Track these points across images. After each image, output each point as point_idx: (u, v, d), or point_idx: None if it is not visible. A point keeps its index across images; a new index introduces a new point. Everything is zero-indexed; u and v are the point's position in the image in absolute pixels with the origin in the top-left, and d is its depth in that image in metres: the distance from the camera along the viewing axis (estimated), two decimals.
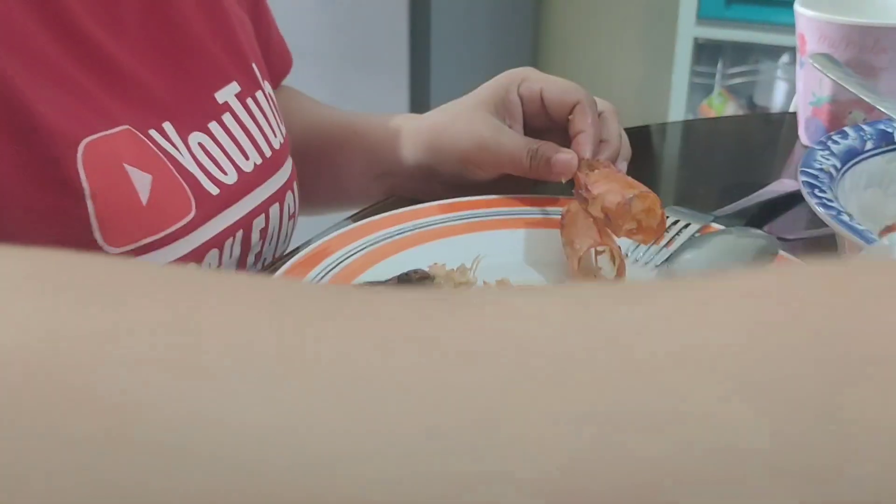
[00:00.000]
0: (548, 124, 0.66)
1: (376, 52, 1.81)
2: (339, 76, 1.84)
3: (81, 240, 0.46)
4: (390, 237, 0.59)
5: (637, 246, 0.61)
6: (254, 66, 0.62)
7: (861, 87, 0.66)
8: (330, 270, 0.56)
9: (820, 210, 0.50)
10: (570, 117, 0.63)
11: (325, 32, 1.82)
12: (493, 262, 0.58)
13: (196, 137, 0.54)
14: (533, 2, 2.34)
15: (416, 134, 0.69)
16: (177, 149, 0.52)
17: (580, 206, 0.58)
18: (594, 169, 0.60)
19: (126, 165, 0.48)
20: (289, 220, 0.62)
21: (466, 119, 0.65)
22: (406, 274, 0.54)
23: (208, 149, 0.55)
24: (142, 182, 0.48)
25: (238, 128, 0.58)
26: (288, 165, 0.63)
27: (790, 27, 1.86)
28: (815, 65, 0.68)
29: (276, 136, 0.61)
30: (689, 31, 1.99)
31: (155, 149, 0.51)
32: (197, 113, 0.56)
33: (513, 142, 0.63)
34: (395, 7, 1.75)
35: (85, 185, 0.45)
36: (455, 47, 1.93)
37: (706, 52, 2.08)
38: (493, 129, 0.63)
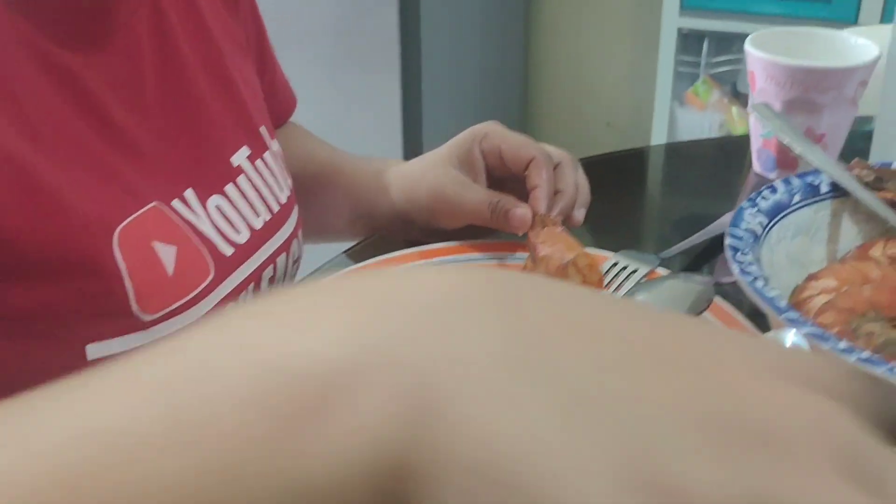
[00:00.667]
0: (509, 175, 0.72)
1: (367, 49, 1.85)
2: (330, 74, 1.88)
3: (120, 311, 0.51)
4: None
5: None
6: (261, 129, 0.66)
7: (795, 139, 0.71)
8: None
9: (738, 275, 0.56)
10: (525, 172, 0.69)
11: (315, 29, 1.85)
12: None
13: (214, 201, 0.59)
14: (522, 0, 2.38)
15: (394, 182, 0.76)
16: (197, 214, 0.58)
17: (532, 265, 0.64)
18: (545, 225, 0.66)
19: (154, 243, 0.53)
20: (293, 264, 0.68)
21: (434, 174, 0.71)
22: None
23: (225, 211, 0.60)
24: (168, 255, 0.54)
25: (250, 188, 0.63)
26: (294, 215, 0.68)
27: (772, 17, 1.91)
28: (756, 114, 0.74)
29: (283, 190, 0.66)
30: (673, 21, 2.03)
31: (178, 219, 0.56)
32: (215, 177, 0.61)
33: (474, 195, 0.69)
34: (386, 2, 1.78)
35: (122, 266, 0.51)
36: (445, 40, 1.97)
37: (690, 41, 2.12)
38: (456, 184, 0.70)
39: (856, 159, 0.69)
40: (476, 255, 0.71)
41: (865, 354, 0.48)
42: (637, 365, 0.21)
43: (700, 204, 0.90)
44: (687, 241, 0.75)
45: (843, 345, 0.49)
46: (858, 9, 1.89)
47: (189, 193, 0.58)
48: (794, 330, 0.42)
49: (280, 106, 0.79)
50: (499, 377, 0.20)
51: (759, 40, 0.86)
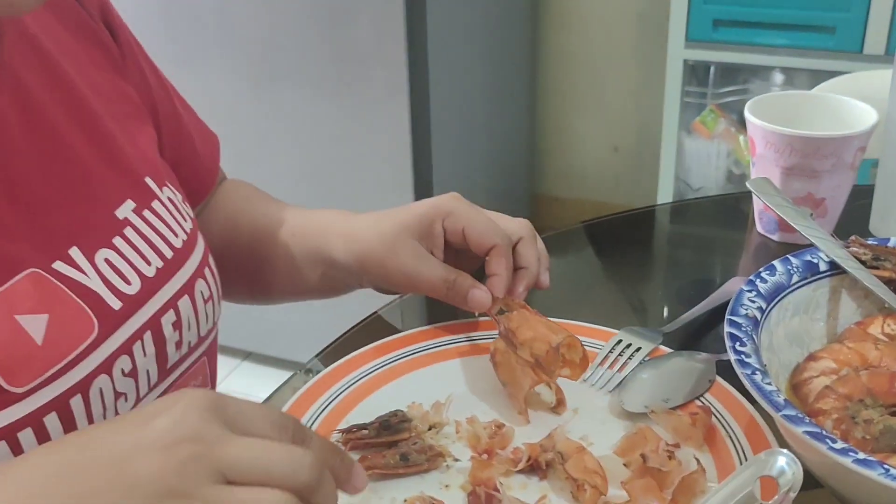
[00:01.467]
0: (467, 249, 0.73)
1: (373, 54, 1.84)
2: (335, 80, 1.88)
3: None
4: (367, 374, 0.68)
5: (592, 372, 0.68)
6: (147, 180, 0.66)
7: (794, 215, 0.73)
8: (319, 414, 0.64)
9: (736, 367, 0.57)
10: (487, 258, 0.71)
11: (319, 34, 1.86)
12: (460, 395, 0.66)
13: (103, 254, 0.60)
14: (529, 29, 2.40)
15: (342, 243, 0.75)
16: (82, 271, 0.58)
17: (508, 347, 0.66)
18: (511, 309, 0.69)
19: (17, 317, 0.54)
20: (205, 303, 0.67)
21: (390, 244, 0.71)
22: (387, 420, 0.63)
23: (114, 263, 0.60)
24: (36, 325, 0.54)
25: (139, 238, 0.63)
26: (195, 257, 0.67)
27: (776, 48, 1.92)
28: (753, 190, 0.76)
29: (177, 236, 0.66)
30: (678, 53, 2.05)
31: (56, 282, 0.57)
32: (101, 232, 0.61)
33: (432, 271, 0.70)
34: (392, 16, 1.78)
35: None
36: (453, 71, 1.99)
37: (696, 71, 2.14)
38: (413, 258, 0.71)
39: (853, 237, 0.70)
40: (449, 337, 0.73)
41: (861, 456, 0.49)
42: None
43: (704, 267, 0.91)
44: (689, 312, 0.77)
45: (839, 445, 0.50)
46: (863, 39, 1.90)
47: (74, 251, 0.58)
48: (785, 451, 0.44)
49: (201, 180, 0.80)
50: None
51: (758, 106, 0.88)
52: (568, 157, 2.63)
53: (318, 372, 0.69)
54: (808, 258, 0.69)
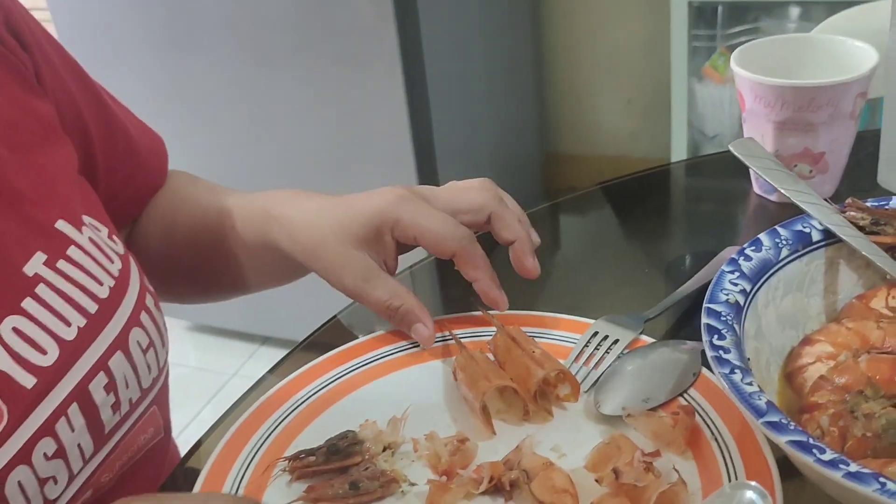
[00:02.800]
0: None
1: (361, 15, 1.76)
2: (326, 53, 1.81)
3: None
4: (313, 394, 0.62)
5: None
6: (59, 224, 0.58)
7: (781, 178, 0.65)
8: (263, 442, 0.59)
9: (714, 366, 0.50)
10: (457, 267, 0.64)
11: (309, 30, 1.79)
12: (421, 408, 0.60)
13: (10, 322, 0.52)
14: None
15: (288, 236, 0.67)
16: None
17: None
18: (504, 334, 0.63)
19: None
20: (144, 353, 0.59)
21: (332, 253, 0.64)
22: (335, 444, 0.57)
23: (24, 330, 0.52)
24: None
25: (54, 295, 0.55)
26: (127, 303, 0.59)
27: None
28: (736, 153, 0.68)
29: (101, 284, 0.58)
30: None
31: None
32: (8, 294, 0.53)
33: (376, 294, 0.64)
34: None
35: None
36: (450, 24, 1.91)
37: (704, 13, 2.03)
38: (357, 276, 0.64)
39: (849, 200, 0.63)
40: (444, 333, 0.67)
41: (854, 468, 0.43)
42: None
43: (702, 236, 0.84)
44: (676, 292, 0.70)
45: (828, 456, 0.44)
46: None
47: None
48: (753, 483, 0.37)
49: (148, 157, 0.73)
50: None
51: (746, 55, 0.80)
52: (580, 113, 2.54)
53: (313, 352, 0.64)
54: (799, 228, 0.61)
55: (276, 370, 0.69)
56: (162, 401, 0.63)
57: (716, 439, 0.55)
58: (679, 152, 2.12)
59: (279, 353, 0.71)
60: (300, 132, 1.90)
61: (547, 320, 0.67)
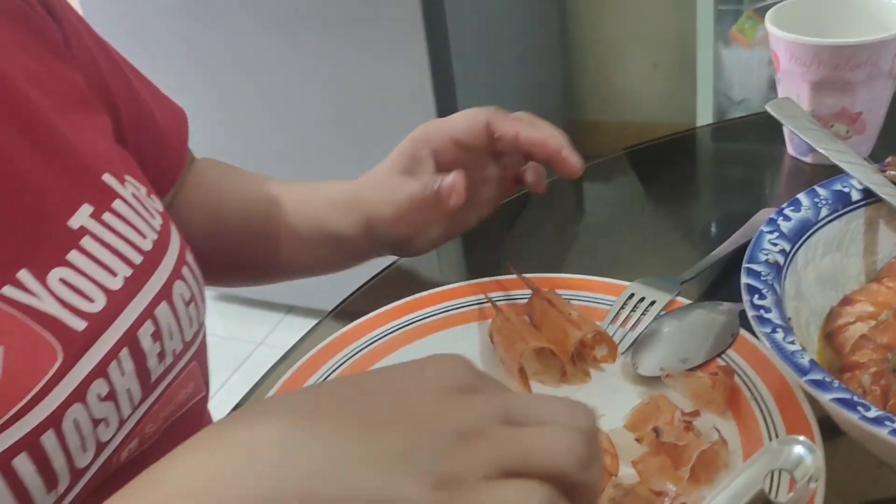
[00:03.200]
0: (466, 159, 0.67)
1: (390, 25, 1.77)
2: (348, 37, 1.81)
3: None
4: (346, 360, 0.63)
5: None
6: (105, 177, 0.59)
7: (819, 138, 0.65)
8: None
9: (756, 325, 0.50)
10: (498, 136, 0.65)
11: (331, 20, 1.79)
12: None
13: (57, 273, 0.53)
14: None
15: (346, 205, 0.71)
16: (35, 295, 0.51)
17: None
18: (535, 297, 0.63)
19: None
20: (186, 306, 0.61)
21: (378, 186, 0.68)
22: None
23: (71, 281, 0.53)
24: None
25: (100, 247, 0.56)
26: (170, 257, 0.60)
27: None
28: (773, 112, 0.67)
29: (145, 237, 0.59)
30: None
31: (9, 308, 0.50)
32: (52, 249, 0.54)
33: (410, 184, 0.66)
34: None
35: None
36: None
37: None
38: (396, 184, 0.67)
39: (889, 158, 0.62)
40: (479, 296, 0.67)
41: None
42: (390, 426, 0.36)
43: (737, 199, 0.83)
44: (712, 254, 0.69)
45: (873, 413, 0.44)
46: None
47: (23, 274, 0.51)
48: (801, 439, 0.37)
49: (171, 135, 0.73)
50: (342, 467, 0.35)
51: (781, 14, 0.79)
52: (604, 79, 2.52)
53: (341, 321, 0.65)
54: (839, 187, 0.61)
55: (307, 339, 0.70)
56: (201, 358, 0.64)
57: (755, 399, 0.55)
58: (705, 117, 2.10)
59: (304, 322, 0.72)
60: (320, 98, 1.90)
61: (582, 283, 0.67)
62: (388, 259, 0.76)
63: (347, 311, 0.71)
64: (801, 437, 0.37)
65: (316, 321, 0.72)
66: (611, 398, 0.58)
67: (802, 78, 0.75)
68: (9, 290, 0.50)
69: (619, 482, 0.51)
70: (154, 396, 0.58)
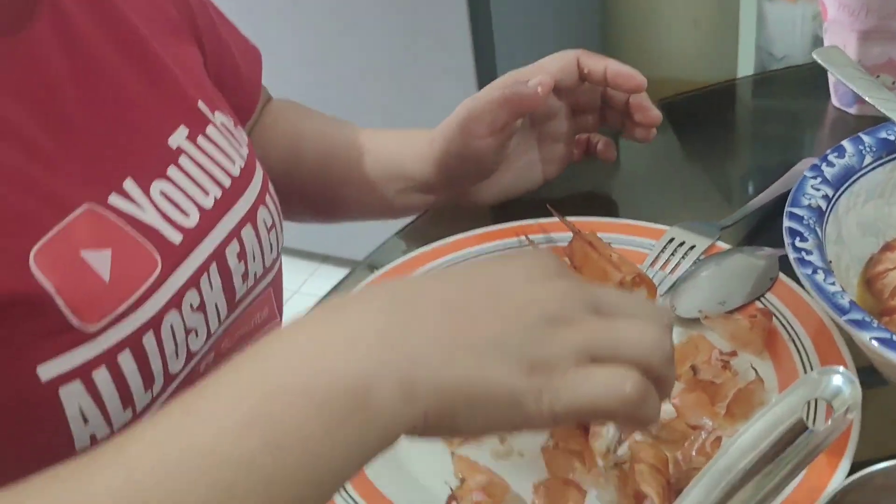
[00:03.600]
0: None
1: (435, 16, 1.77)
2: (392, 14, 1.82)
3: (61, 328, 0.49)
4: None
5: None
6: (199, 104, 0.63)
7: (866, 87, 0.65)
8: None
9: (797, 267, 0.51)
10: (586, 72, 0.69)
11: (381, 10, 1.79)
12: None
13: (158, 185, 0.56)
14: None
15: (422, 144, 0.73)
16: (139, 205, 0.55)
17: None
18: (576, 240, 0.64)
19: (83, 252, 0.51)
20: (268, 231, 0.64)
21: (460, 105, 0.70)
22: None
23: (170, 195, 0.57)
24: (101, 261, 0.51)
25: (195, 167, 0.60)
26: (255, 184, 0.64)
27: None
28: (819, 60, 0.67)
29: (234, 163, 0.62)
30: None
31: (115, 217, 0.53)
32: (154, 162, 0.58)
33: (487, 92, 0.69)
34: None
35: (47, 285, 0.48)
36: None
37: None
38: (468, 104, 0.69)
39: None
40: (520, 238, 0.68)
41: None
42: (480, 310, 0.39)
43: (778, 148, 0.83)
44: (753, 202, 0.70)
45: None
46: None
47: (129, 183, 0.55)
48: (840, 368, 0.38)
49: (247, 72, 0.76)
50: (439, 353, 0.37)
51: None
52: (644, 35, 2.49)
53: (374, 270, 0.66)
54: (884, 135, 0.61)
55: (341, 286, 0.71)
56: (277, 286, 0.67)
57: (793, 341, 0.55)
58: (745, 73, 2.07)
59: (339, 272, 0.73)
60: (358, 53, 1.90)
61: (622, 227, 0.67)
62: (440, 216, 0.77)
63: (379, 261, 0.72)
64: (841, 368, 0.38)
65: (350, 270, 0.74)
66: None
67: (850, 27, 0.75)
68: (115, 199, 0.54)
69: None
70: (235, 314, 0.61)
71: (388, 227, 0.77)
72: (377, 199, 0.76)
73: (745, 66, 2.05)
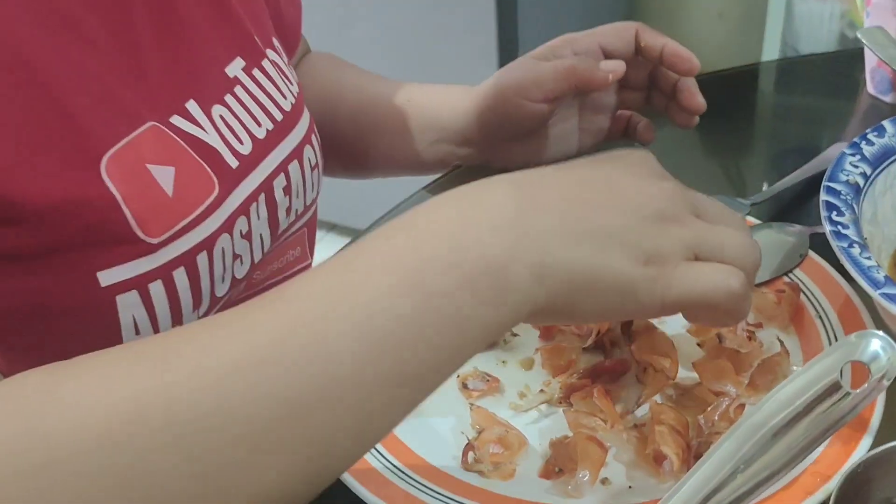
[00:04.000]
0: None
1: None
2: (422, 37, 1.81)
3: (125, 237, 0.50)
4: None
5: None
6: (255, 38, 0.64)
7: None
8: None
9: (832, 239, 0.50)
10: (642, 44, 0.68)
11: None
12: None
13: (217, 110, 0.58)
14: None
15: (460, 97, 0.72)
16: (201, 127, 0.56)
17: None
18: None
19: (149, 166, 0.52)
20: (312, 170, 0.65)
21: (517, 63, 0.70)
22: None
23: (227, 121, 0.58)
24: (165, 176, 0.52)
25: (249, 98, 0.61)
26: (303, 123, 0.65)
27: None
28: (864, 40, 0.66)
29: (285, 98, 0.63)
30: None
31: (177, 138, 0.54)
32: (214, 87, 0.59)
33: (547, 64, 0.67)
34: None
35: (116, 193, 0.50)
36: None
37: None
38: (538, 58, 0.69)
39: None
40: None
41: None
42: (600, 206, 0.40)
43: (807, 133, 0.82)
44: (784, 181, 0.69)
45: None
46: None
47: (192, 105, 0.56)
48: (880, 333, 0.37)
49: (288, 16, 0.76)
50: (565, 240, 0.39)
51: None
52: (668, 27, 2.48)
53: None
54: None
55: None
56: (311, 228, 0.68)
57: (820, 317, 0.55)
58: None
59: (345, 241, 0.73)
60: (382, 33, 1.89)
61: None
62: (431, 177, 0.77)
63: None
64: (880, 332, 0.37)
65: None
66: None
67: (893, 11, 0.74)
68: (177, 120, 0.55)
69: (678, 383, 0.52)
70: (274, 247, 0.62)
71: (395, 195, 0.76)
72: (409, 150, 0.76)
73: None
